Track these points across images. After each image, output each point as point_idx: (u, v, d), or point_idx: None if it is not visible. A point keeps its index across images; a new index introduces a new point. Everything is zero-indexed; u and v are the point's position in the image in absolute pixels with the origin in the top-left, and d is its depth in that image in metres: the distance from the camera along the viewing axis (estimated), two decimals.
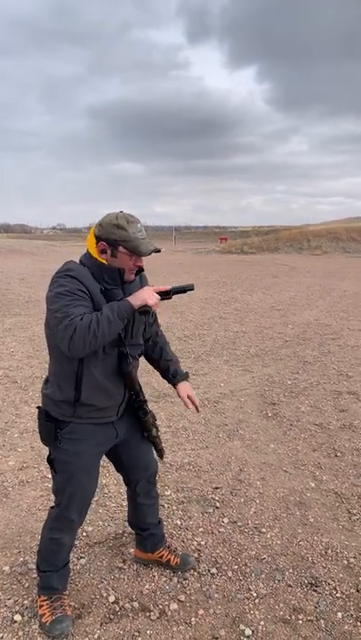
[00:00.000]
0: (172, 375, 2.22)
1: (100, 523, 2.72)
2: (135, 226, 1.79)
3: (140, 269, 1.90)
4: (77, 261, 1.87)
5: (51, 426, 1.88)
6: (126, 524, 2.60)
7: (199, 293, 11.42)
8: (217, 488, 3.09)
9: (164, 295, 1.84)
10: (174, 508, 2.87)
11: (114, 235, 1.77)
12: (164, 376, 2.26)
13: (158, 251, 1.84)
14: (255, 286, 13.42)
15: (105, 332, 1.66)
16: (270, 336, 7.38)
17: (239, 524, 2.73)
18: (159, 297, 1.79)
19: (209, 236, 62.08)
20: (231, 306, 10.04)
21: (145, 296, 1.74)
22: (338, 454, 3.55)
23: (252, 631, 2.01)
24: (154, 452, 2.20)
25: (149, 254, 1.82)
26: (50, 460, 1.96)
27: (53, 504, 2.04)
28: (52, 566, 2.06)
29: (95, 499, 2.91)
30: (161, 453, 2.18)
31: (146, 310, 1.76)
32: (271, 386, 5.09)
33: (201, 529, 2.68)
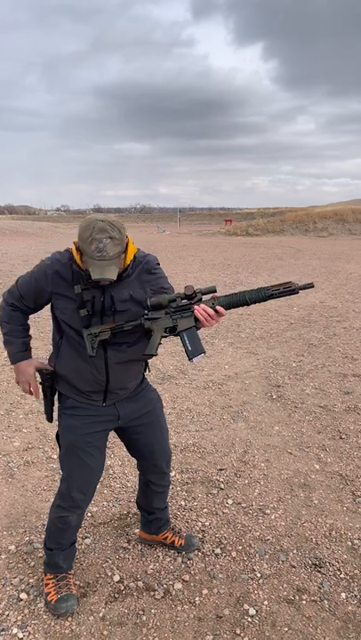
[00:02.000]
0: None
1: (105, 503, 2.73)
2: (96, 245, 1.62)
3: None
4: (69, 253, 1.83)
5: (48, 401, 2.00)
6: (131, 504, 2.61)
7: (204, 275, 11.39)
8: (221, 469, 3.09)
9: (174, 334, 1.85)
10: (179, 489, 2.88)
11: (80, 242, 1.68)
12: None
13: (110, 281, 1.70)
14: (260, 268, 13.32)
15: None
16: (275, 318, 7.34)
17: (243, 505, 2.73)
18: (35, 385, 1.98)
19: (213, 218, 61.56)
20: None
21: (20, 381, 2.01)
22: (343, 437, 3.55)
23: (256, 611, 2.02)
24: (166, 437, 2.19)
25: (97, 282, 1.73)
26: (56, 436, 2.02)
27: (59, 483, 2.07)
28: (58, 544, 2.07)
29: (100, 479, 2.92)
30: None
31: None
32: (276, 368, 5.07)
33: (205, 510, 2.68)
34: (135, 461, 2.25)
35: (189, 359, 1.83)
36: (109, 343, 1.85)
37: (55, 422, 2.03)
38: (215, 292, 1.83)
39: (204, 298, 1.82)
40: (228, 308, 1.80)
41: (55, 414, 2.03)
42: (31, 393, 1.98)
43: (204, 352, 1.84)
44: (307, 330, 6.66)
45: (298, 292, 1.76)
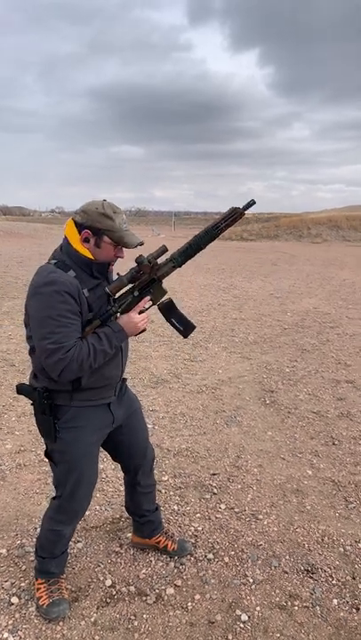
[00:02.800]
0: None
1: (98, 507, 2.72)
2: (121, 217, 1.74)
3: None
4: (56, 261, 1.75)
5: (49, 419, 1.83)
6: (123, 508, 2.60)
7: (198, 279, 11.40)
8: (214, 474, 3.09)
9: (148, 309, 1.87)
10: (172, 493, 2.87)
11: (100, 224, 1.71)
12: None
13: (142, 243, 1.79)
14: (254, 273, 13.36)
15: (100, 363, 1.74)
16: (269, 324, 7.36)
17: (236, 510, 2.73)
18: (147, 314, 1.83)
19: (209, 222, 61.54)
20: (230, 293, 10.01)
21: (138, 328, 1.80)
22: (335, 442, 3.56)
23: (248, 617, 2.02)
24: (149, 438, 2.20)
25: (135, 247, 1.77)
26: (48, 454, 1.94)
27: (54, 494, 2.00)
28: (50, 554, 2.05)
29: None
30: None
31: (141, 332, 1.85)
32: (269, 373, 5.08)
33: (198, 515, 2.68)
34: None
35: (184, 337, 1.96)
36: None
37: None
38: (167, 250, 1.84)
39: (161, 260, 1.85)
40: (186, 260, 1.85)
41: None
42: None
43: (195, 326, 1.95)
44: (300, 335, 6.68)
45: (244, 214, 1.79)
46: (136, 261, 1.80)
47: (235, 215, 1.78)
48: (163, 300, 1.89)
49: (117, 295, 1.84)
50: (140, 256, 1.80)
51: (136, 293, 1.84)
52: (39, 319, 1.68)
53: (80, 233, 1.75)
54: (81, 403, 1.85)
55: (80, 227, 1.75)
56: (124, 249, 1.81)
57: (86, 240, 1.75)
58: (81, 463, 1.90)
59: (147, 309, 1.85)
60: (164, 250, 1.83)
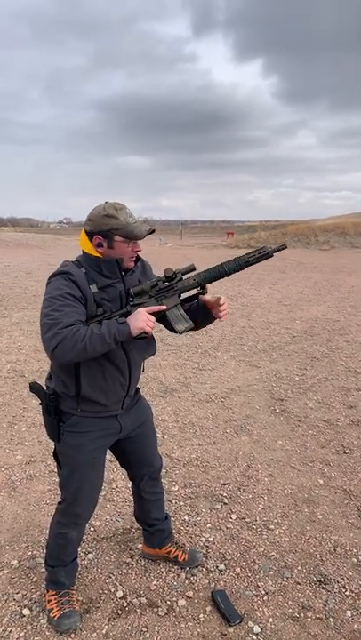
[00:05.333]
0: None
1: (108, 518, 2.71)
2: (125, 211, 1.78)
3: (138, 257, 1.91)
4: (74, 260, 1.85)
5: (53, 420, 1.89)
6: (134, 519, 2.59)
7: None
8: (225, 484, 3.07)
9: (160, 314, 1.84)
10: (182, 503, 2.86)
11: (106, 225, 1.76)
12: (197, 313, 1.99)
13: (153, 231, 1.82)
14: (262, 281, 13.35)
15: (96, 350, 1.66)
16: (278, 331, 7.34)
17: (247, 520, 2.71)
18: (154, 319, 1.79)
19: (215, 231, 61.86)
20: (238, 301, 10.00)
21: (142, 325, 1.71)
22: (346, 451, 3.53)
23: (261, 628, 2.00)
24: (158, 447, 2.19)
25: (145, 236, 1.80)
26: (55, 455, 1.98)
27: (60, 499, 2.04)
28: (59, 561, 2.06)
29: (103, 493, 2.91)
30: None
31: (142, 336, 1.76)
32: (279, 382, 5.06)
33: (209, 525, 2.67)
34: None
35: (179, 333, 1.89)
36: (128, 343, 1.84)
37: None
38: (194, 269, 1.88)
39: (185, 277, 1.88)
40: (209, 281, 1.88)
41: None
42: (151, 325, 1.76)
43: (192, 324, 1.89)
44: (309, 343, 6.65)
45: (272, 255, 1.86)
46: (164, 271, 1.86)
47: (264, 254, 1.86)
48: (172, 305, 1.88)
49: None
50: (170, 269, 1.85)
51: (153, 294, 1.86)
52: (45, 301, 1.73)
53: (92, 241, 1.80)
54: (86, 413, 1.88)
55: (91, 235, 1.79)
56: (139, 242, 1.84)
57: (99, 245, 1.79)
58: (84, 468, 1.92)
59: (156, 316, 1.83)
60: (192, 268, 1.88)
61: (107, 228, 1.76)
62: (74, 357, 1.67)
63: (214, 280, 1.88)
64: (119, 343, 1.72)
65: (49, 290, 1.75)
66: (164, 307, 1.83)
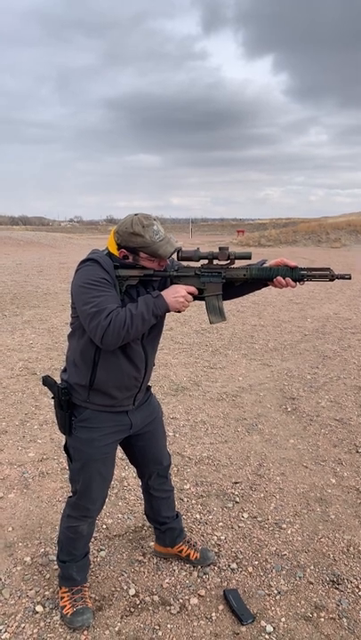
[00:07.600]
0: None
1: (120, 515, 2.72)
2: (151, 229, 1.74)
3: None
4: (103, 249, 1.87)
5: (65, 414, 1.92)
6: (145, 517, 2.60)
7: None
8: (236, 483, 3.07)
9: (199, 296, 1.83)
10: (193, 502, 2.86)
11: (132, 243, 1.76)
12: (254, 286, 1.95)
13: (180, 249, 1.80)
14: None
15: (138, 329, 1.70)
16: (289, 330, 7.30)
17: (259, 519, 2.70)
18: (191, 300, 1.78)
19: (226, 229, 61.67)
20: (249, 299, 9.97)
21: (179, 305, 1.73)
22: (359, 450, 3.50)
23: (274, 628, 1.99)
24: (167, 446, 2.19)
25: (170, 256, 1.79)
26: (66, 449, 2.00)
27: (71, 493, 2.06)
28: (70, 556, 2.07)
29: (114, 491, 2.92)
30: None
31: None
32: (290, 380, 5.04)
33: (221, 523, 2.66)
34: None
35: (211, 323, 1.87)
36: (144, 336, 1.87)
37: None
38: (250, 258, 1.84)
39: (237, 263, 1.84)
40: (259, 275, 1.83)
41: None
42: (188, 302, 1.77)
43: (226, 319, 1.87)
44: (321, 341, 6.61)
45: (333, 280, 1.77)
46: (219, 247, 1.82)
47: (326, 275, 1.79)
48: (213, 293, 1.85)
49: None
50: (224, 250, 1.81)
51: (198, 272, 1.84)
52: (81, 287, 1.73)
53: (119, 250, 1.81)
54: (97, 407, 1.90)
55: (118, 246, 1.81)
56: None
57: (125, 258, 1.81)
58: (95, 462, 1.94)
59: (195, 296, 1.81)
60: (248, 256, 1.84)
61: (132, 245, 1.77)
62: (121, 341, 1.71)
63: (265, 279, 1.83)
64: (158, 318, 1.74)
65: (82, 276, 1.74)
66: (205, 293, 1.83)
